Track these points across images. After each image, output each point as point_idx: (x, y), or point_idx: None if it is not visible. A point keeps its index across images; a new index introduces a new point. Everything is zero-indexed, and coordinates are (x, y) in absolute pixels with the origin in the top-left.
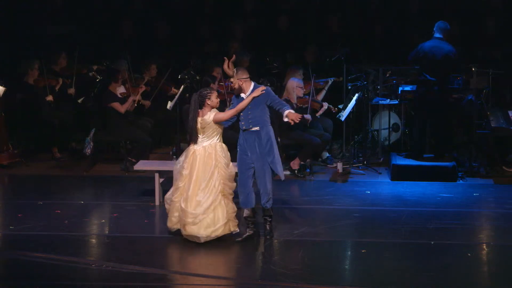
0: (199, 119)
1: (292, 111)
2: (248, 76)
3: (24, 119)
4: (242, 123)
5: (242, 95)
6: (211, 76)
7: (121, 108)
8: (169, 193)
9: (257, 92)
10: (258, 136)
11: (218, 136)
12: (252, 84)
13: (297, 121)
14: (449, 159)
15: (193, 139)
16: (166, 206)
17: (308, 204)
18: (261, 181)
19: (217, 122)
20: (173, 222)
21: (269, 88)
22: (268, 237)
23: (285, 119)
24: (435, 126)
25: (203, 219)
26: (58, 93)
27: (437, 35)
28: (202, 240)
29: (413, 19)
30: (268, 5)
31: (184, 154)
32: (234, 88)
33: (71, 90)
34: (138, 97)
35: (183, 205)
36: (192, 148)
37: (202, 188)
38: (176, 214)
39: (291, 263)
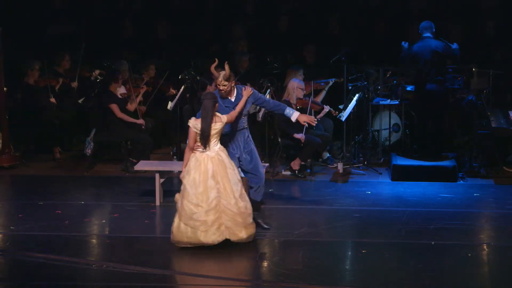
0: (218, 124)
1: (298, 112)
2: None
3: (24, 119)
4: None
5: (229, 97)
6: (208, 77)
7: (119, 113)
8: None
9: (248, 92)
10: (244, 134)
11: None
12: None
13: (313, 124)
14: (449, 160)
15: (207, 144)
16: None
17: (309, 205)
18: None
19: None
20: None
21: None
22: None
23: (294, 120)
24: (435, 126)
25: None
26: (58, 93)
27: (425, 34)
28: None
29: (413, 19)
30: (268, 6)
31: (194, 164)
32: (225, 91)
33: (74, 84)
34: (138, 101)
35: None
36: (204, 155)
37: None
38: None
39: (291, 263)
